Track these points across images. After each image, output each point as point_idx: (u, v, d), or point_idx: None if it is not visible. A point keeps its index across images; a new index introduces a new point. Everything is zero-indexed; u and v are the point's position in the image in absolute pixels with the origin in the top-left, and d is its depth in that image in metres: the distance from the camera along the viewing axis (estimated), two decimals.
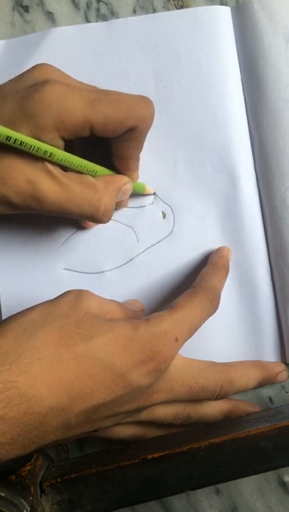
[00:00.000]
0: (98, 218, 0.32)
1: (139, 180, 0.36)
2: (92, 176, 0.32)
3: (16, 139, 0.28)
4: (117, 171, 0.34)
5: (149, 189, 0.37)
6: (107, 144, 0.32)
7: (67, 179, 0.30)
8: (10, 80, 0.31)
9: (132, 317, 0.32)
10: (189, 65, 0.37)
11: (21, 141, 0.28)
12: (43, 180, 0.29)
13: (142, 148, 0.33)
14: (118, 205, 0.36)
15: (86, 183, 0.31)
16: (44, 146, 0.29)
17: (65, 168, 0.31)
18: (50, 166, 0.30)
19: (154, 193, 0.37)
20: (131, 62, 0.37)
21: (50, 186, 0.30)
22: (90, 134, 0.30)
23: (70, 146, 0.31)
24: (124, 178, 0.33)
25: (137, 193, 0.36)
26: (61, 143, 0.30)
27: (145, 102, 0.31)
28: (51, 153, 0.29)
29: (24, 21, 0.39)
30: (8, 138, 0.28)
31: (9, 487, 0.27)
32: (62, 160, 0.30)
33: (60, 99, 0.28)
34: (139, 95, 0.31)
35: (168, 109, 0.37)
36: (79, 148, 0.32)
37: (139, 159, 0.34)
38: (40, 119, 0.28)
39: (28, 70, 0.31)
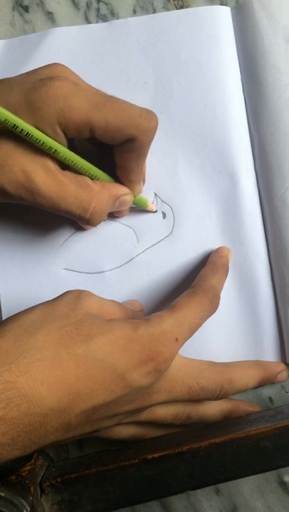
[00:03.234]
0: (86, 220, 0.32)
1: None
2: (93, 179, 0.32)
3: (22, 129, 0.28)
4: (119, 181, 0.34)
5: (152, 206, 0.37)
6: (112, 155, 0.32)
7: (62, 176, 0.30)
8: (21, 74, 0.31)
9: (131, 317, 0.32)
10: (189, 65, 0.37)
11: (28, 132, 0.28)
12: (38, 173, 0.30)
13: (143, 161, 0.33)
14: (118, 214, 0.37)
15: (81, 183, 0.31)
16: (50, 142, 0.29)
17: (64, 167, 0.31)
18: (48, 161, 0.30)
19: (156, 211, 0.37)
20: (131, 62, 0.37)
21: (45, 180, 0.30)
22: (90, 136, 0.30)
23: (76, 147, 0.31)
24: (123, 189, 0.34)
25: (138, 208, 0.36)
26: (64, 140, 0.30)
27: (148, 115, 0.31)
28: (56, 150, 0.29)
29: (24, 21, 0.39)
30: (15, 126, 0.28)
31: (9, 487, 0.27)
32: (65, 158, 0.30)
33: (66, 96, 0.28)
34: (144, 108, 0.31)
35: (168, 109, 0.37)
36: (86, 152, 0.32)
37: (141, 173, 0.34)
38: (44, 112, 0.28)
39: (41, 67, 0.31)
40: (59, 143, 0.30)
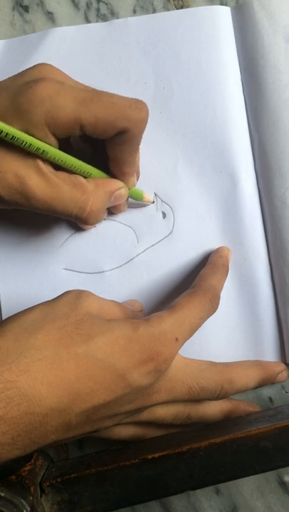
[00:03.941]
0: (83, 219, 0.32)
1: (138, 186, 0.36)
2: (86, 177, 0.32)
3: (7, 133, 0.28)
4: (112, 175, 0.34)
5: (148, 197, 0.36)
6: (104, 148, 0.32)
7: (56, 177, 0.30)
8: (8, 78, 0.31)
9: (131, 317, 0.32)
10: (189, 65, 0.37)
11: (13, 136, 0.28)
12: (32, 176, 0.29)
13: (136, 152, 0.33)
14: (116, 210, 0.36)
15: (75, 183, 0.31)
16: (36, 143, 0.29)
17: (57, 167, 0.31)
18: (40, 163, 0.30)
19: (154, 201, 0.37)
20: (131, 62, 0.37)
21: (38, 183, 0.30)
22: (81, 133, 0.30)
23: (68, 145, 0.31)
24: (117, 183, 0.33)
25: (136, 200, 0.36)
26: (54, 141, 0.30)
27: (138, 104, 0.30)
28: (44, 151, 0.29)
29: (24, 21, 0.39)
30: (0, 131, 0.28)
31: (9, 487, 0.27)
32: (55, 158, 0.30)
33: (52, 97, 0.28)
34: (133, 98, 0.30)
35: (168, 109, 0.37)
36: (77, 149, 0.32)
37: (134, 164, 0.34)
38: (32, 114, 0.28)
39: (27, 69, 0.31)
40: (48, 144, 0.29)
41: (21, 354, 0.24)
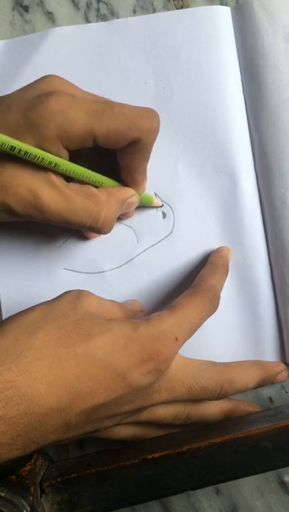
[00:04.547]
0: (97, 229, 0.32)
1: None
2: (98, 186, 0.32)
3: (20, 149, 0.28)
4: (123, 182, 0.34)
5: (157, 201, 0.37)
6: (115, 155, 0.32)
7: (69, 189, 0.30)
8: (17, 90, 0.31)
9: (131, 317, 0.32)
10: (189, 65, 0.37)
11: (26, 151, 0.28)
12: (45, 190, 0.29)
13: (147, 160, 0.33)
14: (124, 216, 0.37)
15: (88, 194, 0.31)
16: (49, 157, 0.29)
17: (68, 178, 0.31)
18: (52, 176, 0.30)
19: (162, 205, 0.37)
20: (131, 62, 0.37)
21: (51, 196, 0.30)
22: (94, 145, 0.30)
23: (77, 155, 0.31)
24: (129, 191, 0.33)
25: (144, 205, 0.36)
26: (65, 153, 0.30)
27: (149, 114, 0.30)
28: (56, 164, 0.29)
29: (24, 21, 0.39)
30: (13, 148, 0.28)
31: (9, 487, 0.27)
32: (67, 170, 0.30)
33: (64, 110, 0.28)
34: (144, 107, 0.30)
35: (168, 109, 0.37)
36: (87, 159, 0.32)
37: (145, 172, 0.34)
38: (44, 129, 0.28)
39: (36, 81, 0.31)
40: (60, 157, 0.29)
41: (21, 354, 0.24)
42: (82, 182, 0.31)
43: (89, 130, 0.29)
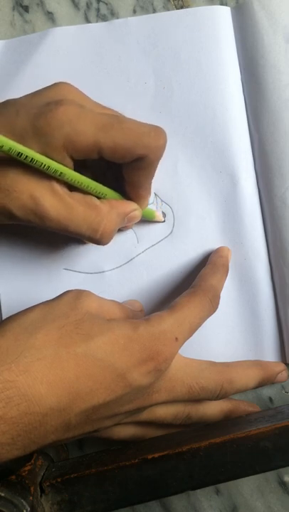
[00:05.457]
0: (96, 240, 0.32)
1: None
2: (101, 198, 0.32)
3: (27, 156, 0.28)
4: (127, 196, 0.34)
5: (159, 216, 0.37)
6: (120, 168, 0.32)
7: (71, 198, 0.30)
8: (26, 95, 0.31)
9: (131, 317, 0.32)
10: (189, 65, 0.37)
11: (32, 158, 0.28)
12: (46, 197, 0.29)
13: (152, 177, 0.33)
14: (124, 228, 0.37)
15: (90, 204, 0.31)
16: (54, 165, 0.29)
17: (71, 188, 0.31)
18: (55, 184, 0.30)
19: (164, 221, 0.37)
20: (131, 62, 0.37)
21: (53, 204, 0.30)
22: (99, 157, 0.30)
23: (83, 165, 0.31)
24: (132, 205, 0.33)
25: (147, 219, 0.36)
26: (70, 162, 0.30)
27: (157, 132, 0.30)
28: (61, 173, 0.29)
29: (24, 21, 0.39)
30: (20, 154, 0.28)
31: (9, 487, 0.27)
32: (71, 180, 0.30)
33: (72, 121, 0.28)
34: (152, 125, 0.31)
35: (168, 109, 0.37)
36: (92, 169, 0.32)
37: (150, 187, 0.34)
38: (51, 138, 0.28)
39: (46, 88, 0.31)
40: (65, 166, 0.29)
41: (21, 354, 0.24)
42: (85, 192, 0.31)
43: (95, 142, 0.29)
